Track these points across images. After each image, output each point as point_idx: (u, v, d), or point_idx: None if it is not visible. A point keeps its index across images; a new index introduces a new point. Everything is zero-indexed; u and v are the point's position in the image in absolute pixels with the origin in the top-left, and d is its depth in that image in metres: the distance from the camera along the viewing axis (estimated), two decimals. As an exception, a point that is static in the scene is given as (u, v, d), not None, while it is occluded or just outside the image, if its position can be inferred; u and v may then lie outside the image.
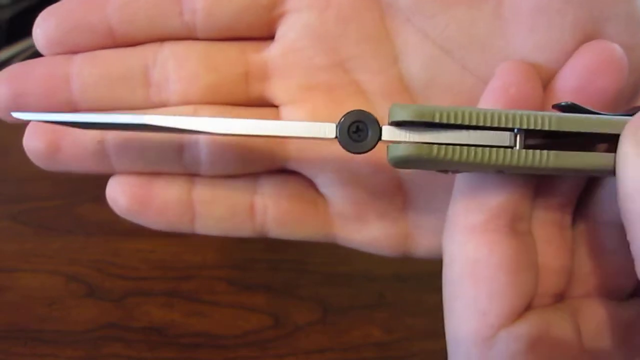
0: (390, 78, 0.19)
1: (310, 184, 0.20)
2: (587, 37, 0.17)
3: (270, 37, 0.19)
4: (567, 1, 0.17)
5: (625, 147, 0.14)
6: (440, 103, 0.18)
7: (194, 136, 0.19)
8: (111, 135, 0.19)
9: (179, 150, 0.19)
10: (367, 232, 0.20)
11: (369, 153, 0.18)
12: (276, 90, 0.19)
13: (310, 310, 0.32)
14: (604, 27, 0.17)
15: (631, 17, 0.17)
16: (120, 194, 0.19)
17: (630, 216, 0.13)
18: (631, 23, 0.17)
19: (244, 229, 0.20)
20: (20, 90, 0.19)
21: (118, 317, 0.32)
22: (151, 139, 0.19)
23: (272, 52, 0.19)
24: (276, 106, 0.19)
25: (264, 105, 0.20)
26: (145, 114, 0.16)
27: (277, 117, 0.19)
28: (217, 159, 0.19)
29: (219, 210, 0.19)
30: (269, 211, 0.20)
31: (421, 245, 0.20)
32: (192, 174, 0.20)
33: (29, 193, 0.43)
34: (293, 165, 0.20)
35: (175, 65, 0.19)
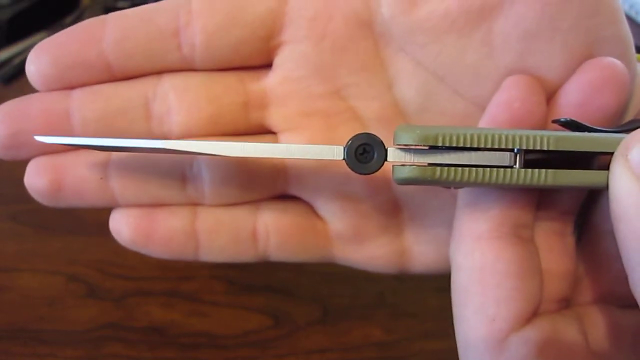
0: (385, 104, 0.19)
1: (310, 208, 0.20)
2: (576, 61, 0.17)
3: (267, 65, 0.20)
4: (555, 28, 0.17)
5: (615, 167, 0.14)
6: None
7: (197, 167, 0.19)
8: (114, 169, 0.19)
9: (182, 181, 0.19)
10: (365, 251, 0.20)
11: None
12: (275, 118, 0.20)
13: (310, 310, 0.32)
14: (592, 50, 0.17)
15: (618, 39, 0.17)
16: (124, 226, 0.19)
17: (620, 235, 0.13)
18: (619, 45, 0.17)
19: (246, 255, 0.20)
20: (19, 129, 0.19)
21: (118, 317, 0.32)
22: (154, 171, 0.19)
23: (271, 81, 0.19)
24: (274, 133, 0.20)
25: (262, 132, 0.20)
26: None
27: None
28: (220, 188, 0.19)
29: (222, 238, 0.20)
30: (271, 236, 0.20)
31: (417, 262, 0.21)
32: (195, 204, 0.20)
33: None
34: (293, 191, 0.20)
35: (176, 97, 0.19)
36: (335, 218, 0.20)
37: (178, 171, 0.19)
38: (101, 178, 0.19)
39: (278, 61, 0.19)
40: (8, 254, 0.37)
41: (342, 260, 0.21)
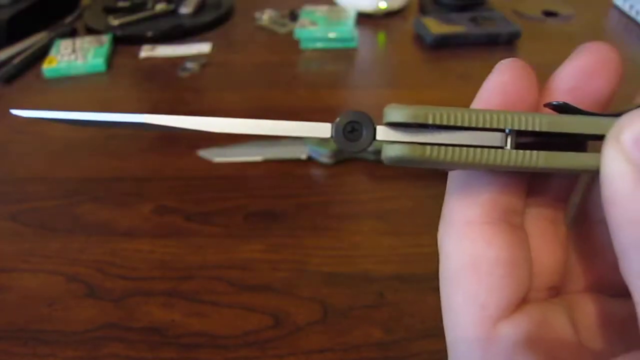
0: None
1: None
2: None
3: None
4: None
5: (607, 149, 0.14)
6: None
7: None
8: None
9: None
10: None
11: None
12: None
13: (310, 310, 0.32)
14: None
15: None
16: None
17: (612, 219, 0.13)
18: None
19: None
20: None
21: (118, 317, 0.32)
22: None
23: None
24: None
25: None
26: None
27: None
28: None
29: None
30: None
31: None
32: None
33: (29, 193, 0.43)
34: None
35: None
36: None
37: None
38: None
39: None
40: (8, 254, 0.37)
41: None
